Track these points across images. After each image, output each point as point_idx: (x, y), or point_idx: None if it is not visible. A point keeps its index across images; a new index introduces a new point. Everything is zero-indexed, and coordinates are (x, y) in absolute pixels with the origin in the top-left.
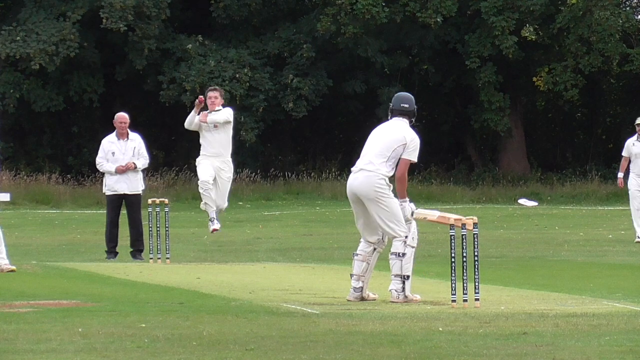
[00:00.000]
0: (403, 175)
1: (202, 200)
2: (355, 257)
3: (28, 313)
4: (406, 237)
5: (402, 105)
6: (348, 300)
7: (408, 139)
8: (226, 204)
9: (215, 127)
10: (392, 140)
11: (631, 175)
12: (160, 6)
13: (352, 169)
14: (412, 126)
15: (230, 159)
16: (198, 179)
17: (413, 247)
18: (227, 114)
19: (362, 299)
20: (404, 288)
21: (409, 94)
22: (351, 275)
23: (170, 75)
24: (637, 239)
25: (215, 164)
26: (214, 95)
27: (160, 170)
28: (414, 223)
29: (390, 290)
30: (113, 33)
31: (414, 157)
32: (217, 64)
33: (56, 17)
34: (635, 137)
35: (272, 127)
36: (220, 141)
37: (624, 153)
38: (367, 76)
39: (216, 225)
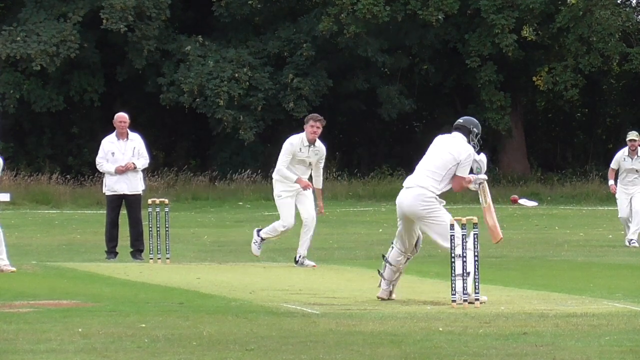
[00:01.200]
0: (458, 190)
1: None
2: (389, 266)
3: (28, 313)
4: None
5: (458, 121)
6: (378, 297)
7: (462, 157)
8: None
9: (310, 164)
10: (447, 160)
11: (619, 184)
12: (161, 7)
13: (404, 183)
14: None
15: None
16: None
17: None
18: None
19: (390, 293)
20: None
21: (471, 118)
22: (381, 274)
23: (170, 77)
24: (627, 243)
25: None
26: (317, 125)
27: (161, 170)
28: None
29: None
30: (113, 33)
31: (465, 172)
32: (216, 64)
33: (56, 17)
34: (626, 150)
35: (273, 127)
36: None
37: (612, 165)
38: (367, 76)
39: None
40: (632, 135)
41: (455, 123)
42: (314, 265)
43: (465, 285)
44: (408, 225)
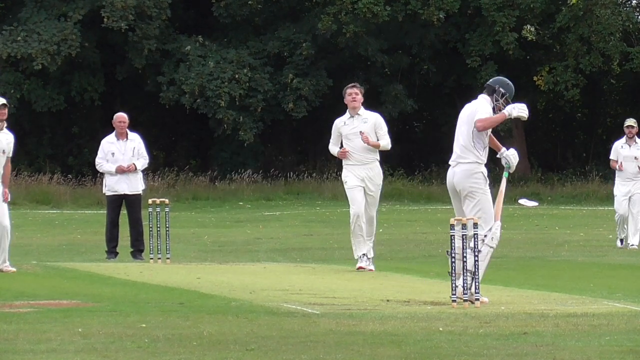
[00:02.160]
0: (486, 125)
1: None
2: (455, 257)
3: (28, 313)
4: (485, 235)
5: (488, 81)
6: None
7: (474, 112)
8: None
9: (361, 133)
10: (467, 125)
11: (617, 180)
12: (161, 6)
13: (450, 161)
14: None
15: (377, 163)
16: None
17: (491, 247)
18: (376, 122)
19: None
20: (470, 286)
21: (502, 77)
22: (451, 273)
23: (169, 76)
24: (619, 245)
25: (362, 174)
26: (354, 92)
27: (161, 170)
28: (498, 223)
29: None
30: (113, 33)
31: (480, 115)
32: (217, 64)
33: (57, 17)
34: (623, 139)
35: (273, 127)
36: (366, 147)
37: (612, 157)
38: (367, 75)
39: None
40: (629, 121)
41: (486, 85)
42: (370, 269)
43: (467, 284)
44: (460, 205)
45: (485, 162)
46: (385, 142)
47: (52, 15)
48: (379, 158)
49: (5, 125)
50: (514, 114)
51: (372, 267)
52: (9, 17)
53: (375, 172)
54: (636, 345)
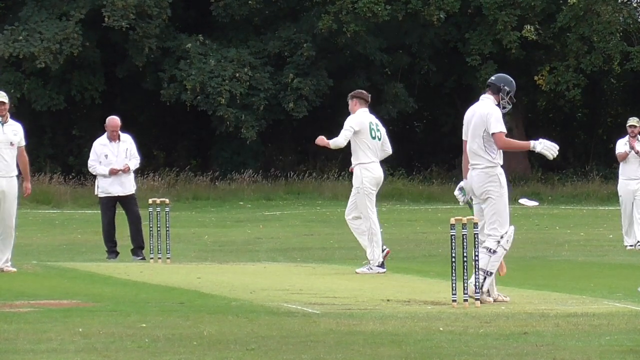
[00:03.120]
0: (505, 146)
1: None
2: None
3: (28, 313)
4: (501, 237)
5: (490, 78)
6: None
7: (485, 117)
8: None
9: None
10: (477, 128)
11: (621, 179)
12: (162, 5)
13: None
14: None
15: (358, 166)
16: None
17: (505, 249)
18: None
19: (494, 300)
20: (482, 284)
21: (504, 75)
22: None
23: (170, 72)
24: (629, 246)
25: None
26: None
27: (161, 170)
28: (512, 227)
29: (469, 283)
30: (114, 32)
31: (499, 127)
32: (218, 63)
33: (58, 16)
34: (626, 138)
35: (273, 127)
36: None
37: (619, 150)
38: (368, 75)
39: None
40: (632, 121)
41: (488, 81)
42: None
43: (479, 282)
44: (480, 207)
45: (501, 163)
46: (334, 139)
47: (52, 14)
48: (361, 161)
49: (9, 116)
50: (538, 149)
51: (364, 269)
52: (9, 16)
53: (356, 174)
54: (636, 345)
